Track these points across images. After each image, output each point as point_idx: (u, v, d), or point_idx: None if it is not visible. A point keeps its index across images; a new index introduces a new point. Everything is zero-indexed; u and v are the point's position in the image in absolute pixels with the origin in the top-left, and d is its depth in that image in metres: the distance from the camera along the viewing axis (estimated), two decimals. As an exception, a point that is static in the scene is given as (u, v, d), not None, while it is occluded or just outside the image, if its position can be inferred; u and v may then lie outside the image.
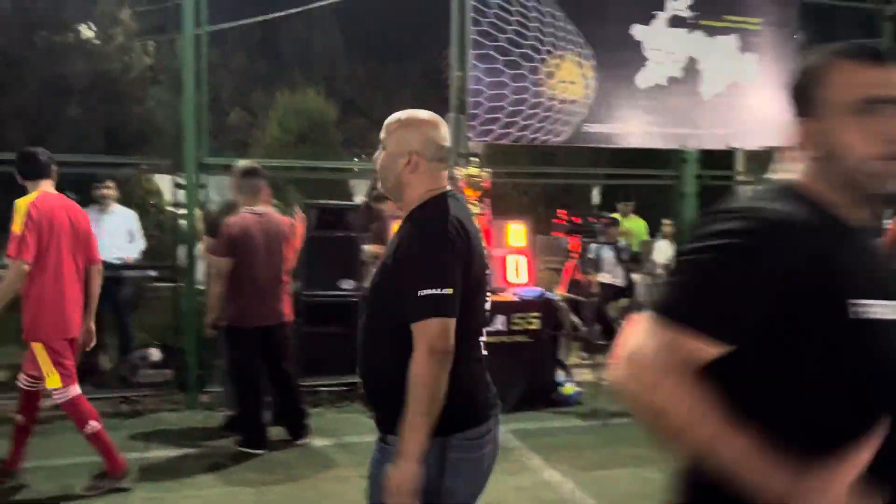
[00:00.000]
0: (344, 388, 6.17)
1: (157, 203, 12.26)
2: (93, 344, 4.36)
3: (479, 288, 2.06)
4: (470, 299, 2.00)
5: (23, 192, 4.13)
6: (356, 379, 6.36)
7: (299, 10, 6.58)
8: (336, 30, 30.86)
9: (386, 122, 2.09)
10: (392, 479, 1.88)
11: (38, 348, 4.03)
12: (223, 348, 4.99)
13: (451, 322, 1.90)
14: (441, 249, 1.94)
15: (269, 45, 30.43)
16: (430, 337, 1.88)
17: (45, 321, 4.01)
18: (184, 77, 5.88)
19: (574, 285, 6.24)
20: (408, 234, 2.01)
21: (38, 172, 4.15)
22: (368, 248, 6.55)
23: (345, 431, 5.36)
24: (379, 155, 2.10)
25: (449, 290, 1.89)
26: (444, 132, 2.09)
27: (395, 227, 6.62)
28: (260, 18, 6.95)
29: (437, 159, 2.06)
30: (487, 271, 2.12)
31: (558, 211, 6.05)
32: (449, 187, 2.10)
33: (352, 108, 24.80)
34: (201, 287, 6.08)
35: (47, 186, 4.15)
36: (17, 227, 3.92)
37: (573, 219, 5.88)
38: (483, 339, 2.10)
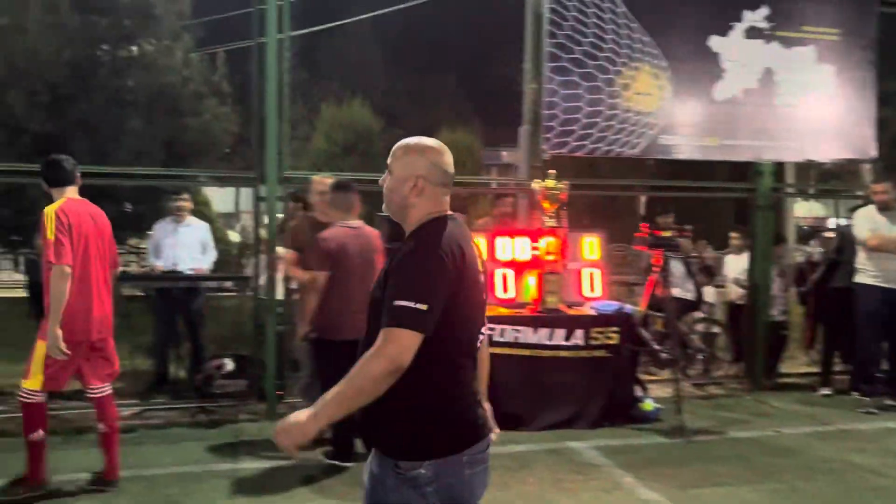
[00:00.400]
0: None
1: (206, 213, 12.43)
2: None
3: (473, 311, 2.14)
4: (463, 321, 2.09)
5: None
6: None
7: (381, 12, 6.56)
8: (374, 42, 31.08)
9: (394, 148, 2.21)
10: (296, 425, 1.97)
11: (40, 347, 4.02)
12: (312, 360, 4.99)
13: (417, 337, 1.95)
14: (429, 266, 2.01)
15: (306, 57, 30.69)
16: (392, 345, 1.94)
17: (63, 325, 3.96)
18: (267, 86, 5.86)
19: (652, 300, 6.16)
20: (404, 250, 2.09)
21: (64, 179, 4.20)
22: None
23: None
24: (385, 178, 2.21)
25: (424, 307, 1.95)
26: (448, 159, 2.20)
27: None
28: (342, 22, 6.96)
29: (441, 184, 2.18)
30: (483, 296, 2.20)
31: (641, 225, 5.97)
32: (450, 211, 2.20)
33: (390, 120, 24.92)
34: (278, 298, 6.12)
35: (72, 193, 4.21)
36: (49, 233, 3.97)
37: (655, 232, 5.80)
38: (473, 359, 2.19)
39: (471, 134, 22.15)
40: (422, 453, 2.04)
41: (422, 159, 2.16)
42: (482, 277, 2.19)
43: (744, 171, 7.44)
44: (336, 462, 4.71)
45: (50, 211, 4.05)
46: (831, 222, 10.12)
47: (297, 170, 6.85)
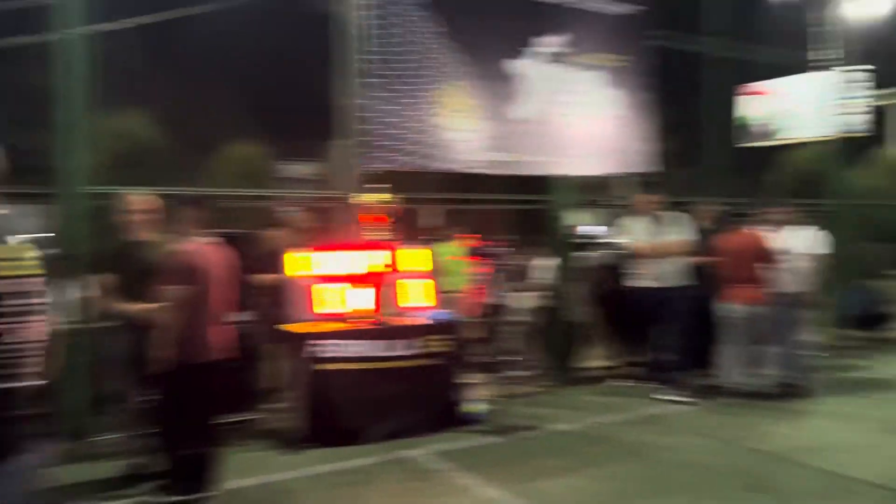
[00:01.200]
0: (239, 424, 5.86)
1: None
2: None
3: None
4: None
5: None
6: (253, 415, 6.05)
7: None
8: (150, 48, 29.10)
9: None
10: None
11: None
12: (158, 387, 4.54)
13: None
14: None
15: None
16: None
17: None
18: (71, 88, 5.32)
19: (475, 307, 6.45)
20: None
21: None
22: (259, 278, 6.32)
23: (263, 470, 5.13)
24: None
25: None
26: None
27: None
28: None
29: None
30: None
31: (474, 236, 6.24)
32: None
33: (171, 132, 23.41)
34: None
35: None
36: None
37: (487, 243, 6.09)
38: None
39: (259, 146, 21.41)
40: None
41: None
42: None
43: (513, 183, 7.96)
44: (185, 498, 4.36)
45: None
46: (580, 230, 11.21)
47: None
